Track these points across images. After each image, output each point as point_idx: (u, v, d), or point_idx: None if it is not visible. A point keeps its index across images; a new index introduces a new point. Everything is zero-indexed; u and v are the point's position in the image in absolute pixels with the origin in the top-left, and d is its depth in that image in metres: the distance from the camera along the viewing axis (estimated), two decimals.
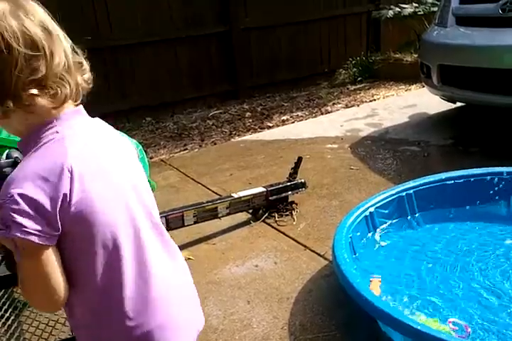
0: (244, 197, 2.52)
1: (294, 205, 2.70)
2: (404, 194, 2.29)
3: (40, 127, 0.84)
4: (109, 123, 0.97)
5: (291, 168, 2.70)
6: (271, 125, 4.39)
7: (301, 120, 4.43)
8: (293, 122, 4.41)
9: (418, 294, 1.85)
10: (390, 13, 5.30)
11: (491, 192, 2.30)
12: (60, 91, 0.82)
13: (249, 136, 4.10)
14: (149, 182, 2.84)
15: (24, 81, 0.79)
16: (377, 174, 3.05)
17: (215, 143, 4.04)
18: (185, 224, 2.30)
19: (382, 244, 2.20)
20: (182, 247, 2.38)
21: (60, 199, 0.79)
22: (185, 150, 3.96)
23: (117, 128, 1.01)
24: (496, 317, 1.68)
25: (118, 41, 4.51)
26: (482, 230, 2.22)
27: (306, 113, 4.63)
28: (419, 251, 2.13)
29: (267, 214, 2.62)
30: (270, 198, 2.60)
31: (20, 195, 0.77)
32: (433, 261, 2.05)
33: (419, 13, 5.23)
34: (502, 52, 3.04)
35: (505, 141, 3.26)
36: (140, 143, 4.02)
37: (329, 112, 4.56)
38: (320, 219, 2.59)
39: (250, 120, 4.61)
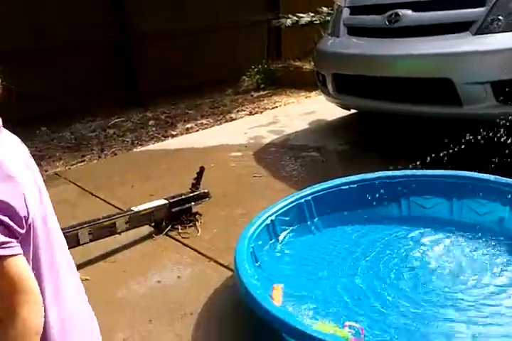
0: (144, 210, 2.44)
1: (197, 216, 2.66)
2: (303, 200, 2.34)
3: None
4: None
5: (194, 179, 2.66)
6: (175, 133, 4.32)
7: (206, 128, 4.41)
8: (197, 130, 4.37)
9: (320, 300, 1.89)
10: (289, 21, 5.46)
11: (383, 195, 2.41)
12: None
13: (153, 146, 4.01)
14: None
15: None
16: (280, 181, 3.10)
17: (115, 154, 3.89)
18: (81, 242, 2.18)
19: (285, 251, 2.22)
20: (78, 267, 2.23)
21: None
22: (82, 161, 3.77)
23: None
24: (391, 319, 1.75)
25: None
26: (377, 232, 2.32)
27: (211, 120, 4.62)
28: (319, 256, 2.18)
29: (169, 227, 2.56)
30: (173, 210, 2.54)
31: None
32: (333, 265, 2.11)
33: (316, 22, 5.43)
34: (389, 61, 3.22)
35: (399, 144, 3.46)
36: (33, 155, 3.80)
37: (234, 119, 4.58)
38: (224, 229, 2.57)
39: (154, 128, 4.50)
